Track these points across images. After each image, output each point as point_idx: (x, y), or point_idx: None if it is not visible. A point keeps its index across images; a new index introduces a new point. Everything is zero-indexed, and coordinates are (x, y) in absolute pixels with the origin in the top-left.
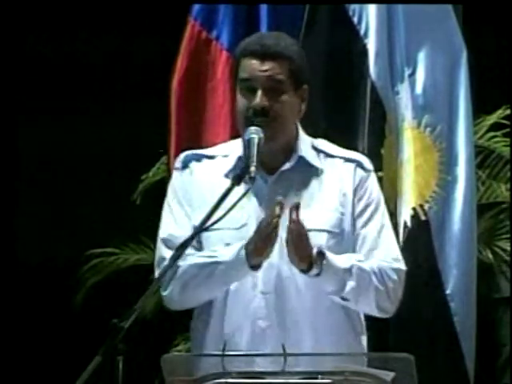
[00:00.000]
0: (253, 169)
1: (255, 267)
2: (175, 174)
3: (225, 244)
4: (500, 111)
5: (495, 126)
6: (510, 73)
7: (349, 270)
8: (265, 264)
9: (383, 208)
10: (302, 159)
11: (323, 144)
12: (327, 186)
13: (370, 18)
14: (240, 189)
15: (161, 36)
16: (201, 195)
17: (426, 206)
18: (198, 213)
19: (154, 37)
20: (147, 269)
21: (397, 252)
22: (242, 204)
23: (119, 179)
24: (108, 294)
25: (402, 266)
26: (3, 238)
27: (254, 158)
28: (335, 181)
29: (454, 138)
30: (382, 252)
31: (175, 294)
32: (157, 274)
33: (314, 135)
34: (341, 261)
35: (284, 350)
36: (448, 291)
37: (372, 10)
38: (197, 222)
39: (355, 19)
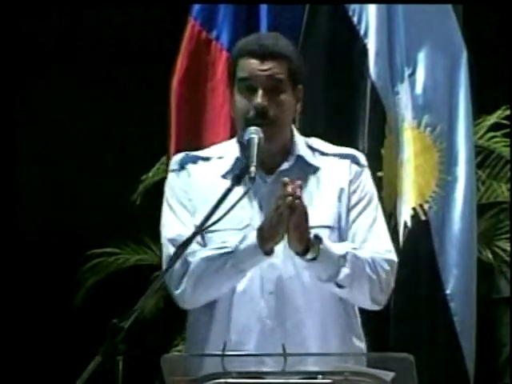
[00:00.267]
0: (253, 169)
1: (268, 252)
2: (172, 176)
3: None
4: (500, 111)
5: (495, 126)
6: (510, 73)
7: (344, 257)
8: (270, 264)
9: (376, 202)
10: (300, 158)
11: (317, 142)
12: (325, 183)
13: (370, 18)
14: (239, 189)
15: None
16: (202, 196)
17: (426, 206)
18: (201, 212)
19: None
20: (148, 269)
21: (389, 244)
22: (243, 204)
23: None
24: (108, 294)
25: (395, 257)
26: (4, 206)
27: (254, 158)
28: (332, 178)
29: (454, 137)
30: (374, 244)
31: (188, 291)
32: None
33: (314, 135)
34: (336, 247)
35: (284, 350)
36: (448, 291)
37: (372, 10)
38: (199, 221)
39: (355, 19)
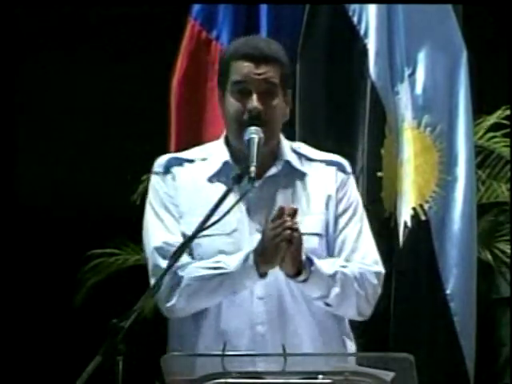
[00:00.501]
0: (253, 169)
1: (263, 275)
2: (156, 179)
3: (218, 250)
4: (500, 111)
5: (495, 127)
6: (510, 73)
7: (333, 276)
8: None
9: (362, 210)
10: (287, 164)
11: (302, 147)
12: (312, 189)
13: (370, 18)
14: (222, 191)
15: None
16: (187, 200)
17: (426, 206)
18: (187, 218)
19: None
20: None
21: (376, 254)
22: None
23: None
24: (108, 294)
25: (382, 268)
26: (3, 206)
27: (254, 158)
28: (319, 184)
29: (454, 137)
30: (363, 254)
31: (181, 304)
32: (152, 282)
33: (314, 135)
34: (326, 266)
35: (284, 350)
36: (448, 291)
37: (372, 10)
38: (185, 227)
39: (355, 19)
